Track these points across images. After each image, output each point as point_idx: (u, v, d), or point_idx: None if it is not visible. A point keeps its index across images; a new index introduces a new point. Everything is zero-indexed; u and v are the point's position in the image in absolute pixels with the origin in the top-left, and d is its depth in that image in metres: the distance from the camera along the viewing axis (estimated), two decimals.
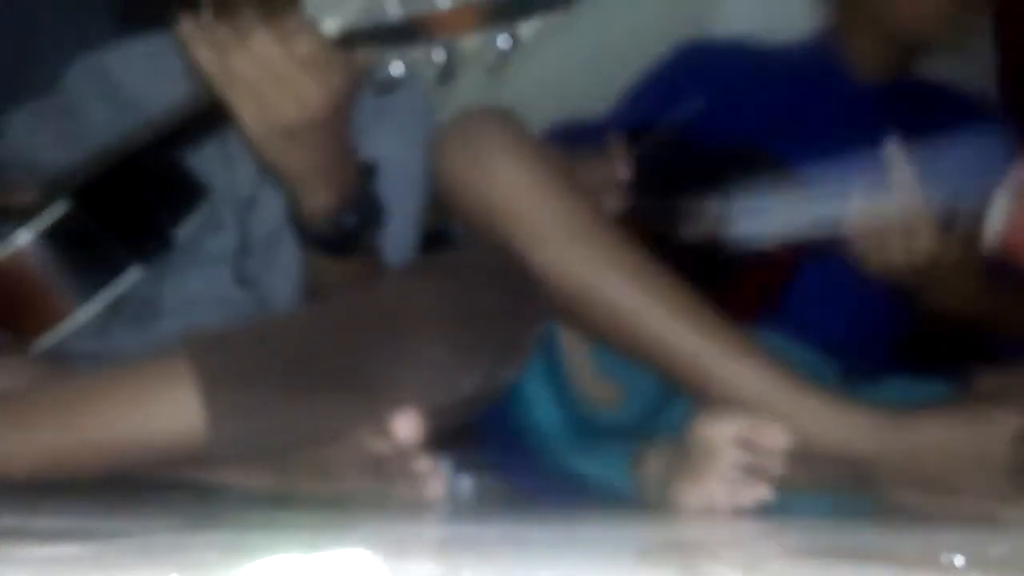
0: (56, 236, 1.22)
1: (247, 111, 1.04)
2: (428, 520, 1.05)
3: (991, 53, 2.18)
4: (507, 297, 1.11)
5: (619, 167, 1.35)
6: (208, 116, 1.17)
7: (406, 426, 1.03)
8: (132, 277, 1.25)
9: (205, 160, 1.29)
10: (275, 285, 1.35)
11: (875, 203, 1.23)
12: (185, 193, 1.29)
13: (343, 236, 1.13)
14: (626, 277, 1.17)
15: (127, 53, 1.45)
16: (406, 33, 1.01)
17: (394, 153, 1.30)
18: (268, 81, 1.02)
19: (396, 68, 1.03)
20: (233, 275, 1.35)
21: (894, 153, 1.22)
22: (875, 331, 1.46)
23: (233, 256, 1.36)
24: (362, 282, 1.16)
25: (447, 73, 1.02)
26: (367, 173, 1.16)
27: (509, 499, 1.30)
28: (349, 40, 1.03)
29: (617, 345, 1.20)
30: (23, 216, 1.22)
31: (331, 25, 1.03)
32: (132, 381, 1.05)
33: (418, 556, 0.76)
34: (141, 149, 1.23)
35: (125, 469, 1.05)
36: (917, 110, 1.48)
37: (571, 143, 1.45)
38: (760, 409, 1.11)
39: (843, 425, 1.12)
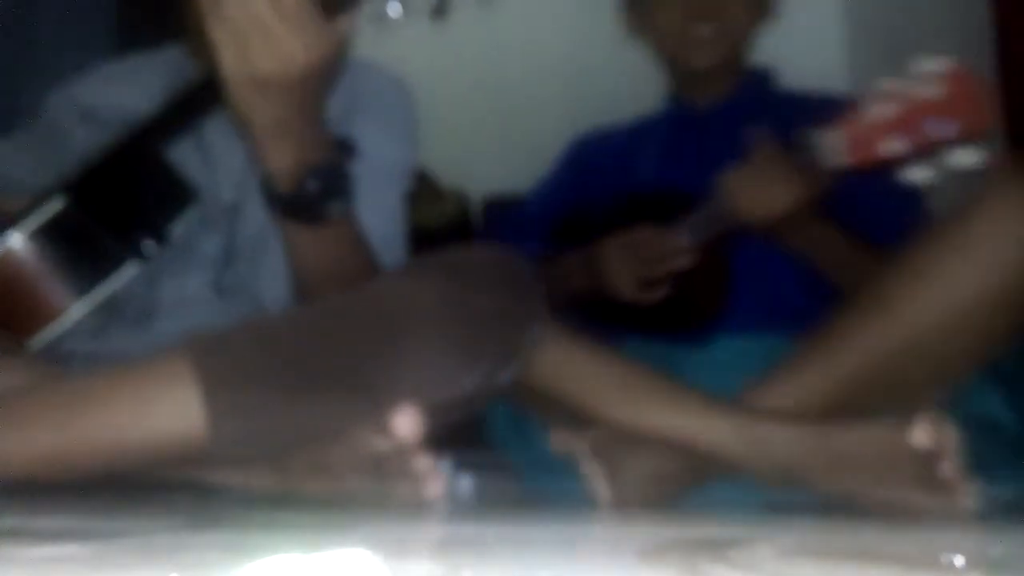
0: (49, 234, 1.22)
1: (228, 53, 1.08)
2: (428, 520, 1.05)
3: (991, 52, 2.18)
4: (506, 296, 1.11)
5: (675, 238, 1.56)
6: (193, 102, 1.20)
7: (405, 424, 1.03)
8: (127, 274, 1.25)
9: (189, 167, 1.30)
10: (264, 289, 1.35)
11: (739, 167, 1.45)
12: (175, 192, 1.29)
13: (305, 200, 1.14)
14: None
15: (101, 77, 1.46)
16: None
17: (380, 144, 1.32)
18: (253, 28, 1.06)
19: (393, 8, 1.05)
20: (213, 283, 1.35)
21: (756, 137, 1.44)
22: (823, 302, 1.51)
23: (215, 264, 1.36)
24: (346, 266, 1.17)
25: (441, 8, 1.03)
26: (341, 148, 1.18)
27: (509, 499, 1.30)
28: None
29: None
30: (16, 215, 1.22)
31: None
32: (132, 381, 1.05)
33: (418, 556, 0.76)
34: (131, 141, 1.23)
35: (125, 469, 1.05)
36: (753, 114, 1.62)
37: (509, 224, 1.78)
38: (680, 437, 1.18)
39: (764, 440, 1.16)
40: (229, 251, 1.36)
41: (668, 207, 1.57)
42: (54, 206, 1.22)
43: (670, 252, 1.55)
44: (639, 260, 1.56)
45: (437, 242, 1.45)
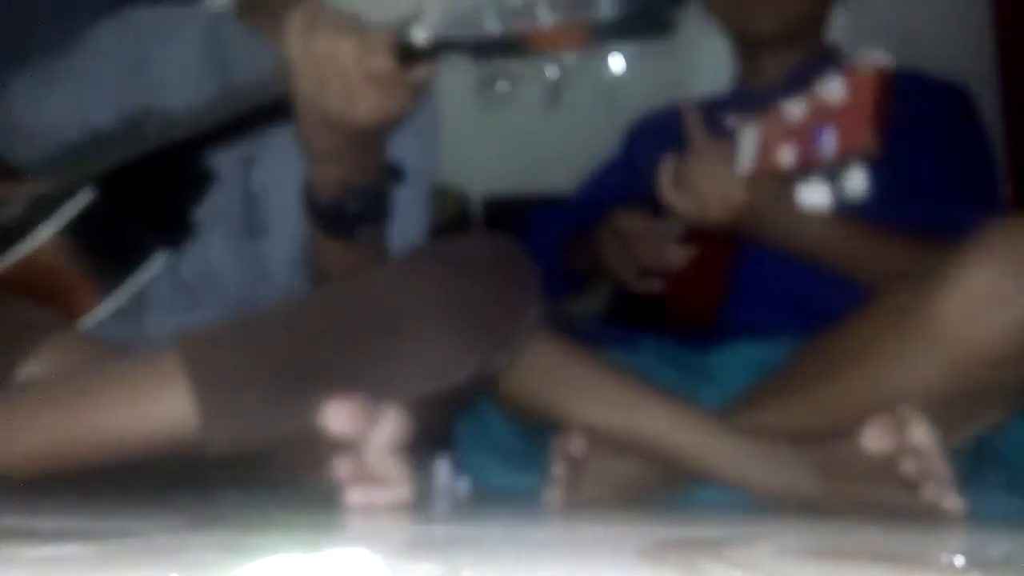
0: (81, 227, 1.23)
1: (305, 89, 1.08)
2: (428, 520, 1.05)
3: (991, 52, 2.18)
4: (501, 284, 1.12)
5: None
6: (236, 123, 1.20)
7: (340, 416, 0.99)
8: (157, 263, 1.27)
9: None
10: (270, 242, 1.37)
11: (680, 163, 1.29)
12: (198, 177, 1.30)
13: (342, 218, 1.15)
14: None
15: (136, 22, 1.46)
16: (504, 47, 1.01)
17: (406, 152, 1.32)
18: (335, 77, 1.06)
19: (502, 86, 1.03)
20: (244, 227, 1.36)
21: (689, 116, 1.30)
22: (831, 301, 1.47)
23: (232, 215, 1.37)
24: (365, 265, 1.18)
25: (556, 93, 1.02)
26: (389, 173, 1.19)
27: (511, 499, 1.30)
28: (441, 47, 1.04)
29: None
30: (47, 207, 1.23)
31: (419, 33, 1.04)
32: (124, 379, 1.05)
33: (418, 556, 0.76)
34: (168, 148, 1.24)
35: (117, 464, 1.05)
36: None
37: (551, 223, 1.66)
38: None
39: (759, 465, 1.16)
40: (247, 200, 1.37)
41: None
42: (84, 198, 1.23)
43: (658, 243, 1.46)
44: (633, 248, 1.49)
45: None
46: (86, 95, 1.40)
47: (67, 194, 1.24)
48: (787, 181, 1.19)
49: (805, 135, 1.16)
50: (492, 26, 1.00)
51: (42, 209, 1.24)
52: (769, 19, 1.55)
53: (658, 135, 1.66)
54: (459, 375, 1.08)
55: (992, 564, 0.77)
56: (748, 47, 1.62)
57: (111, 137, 1.29)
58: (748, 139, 1.23)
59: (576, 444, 1.17)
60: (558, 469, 1.18)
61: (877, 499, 1.11)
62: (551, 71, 1.01)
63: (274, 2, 1.37)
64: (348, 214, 1.15)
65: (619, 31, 0.99)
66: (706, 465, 1.17)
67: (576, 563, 0.75)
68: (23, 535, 0.81)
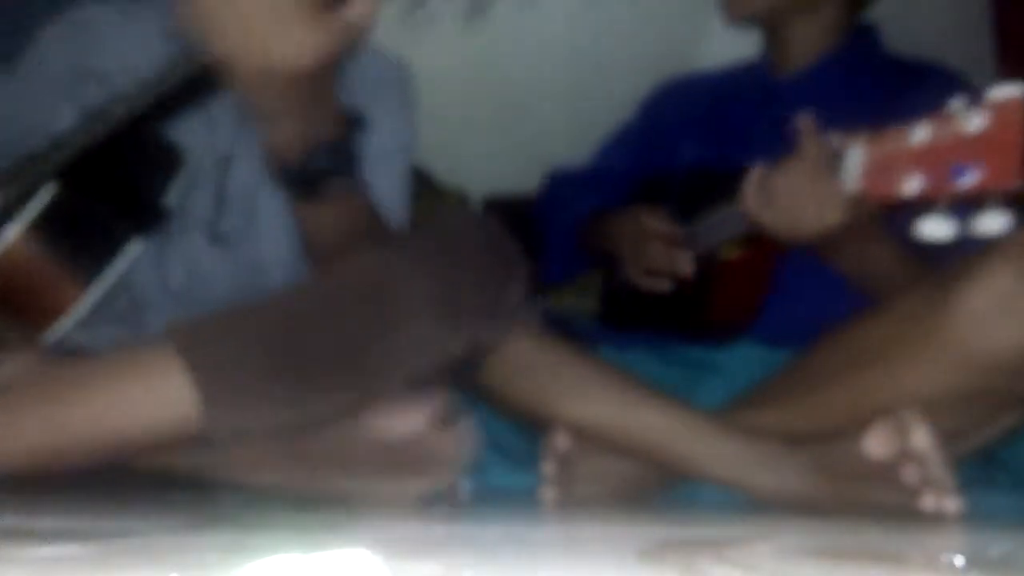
0: (49, 222, 1.20)
1: (234, 41, 1.05)
2: (428, 520, 1.05)
3: (991, 52, 2.18)
4: (491, 262, 1.12)
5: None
6: (188, 87, 1.15)
7: (418, 412, 1.07)
8: (134, 251, 1.23)
9: (180, 121, 1.28)
10: (260, 243, 1.35)
11: (776, 175, 1.21)
12: (166, 157, 1.27)
13: (310, 176, 1.13)
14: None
15: (92, 20, 1.43)
16: None
17: (382, 122, 1.32)
18: (263, 21, 1.03)
19: (428, 7, 1.01)
20: (207, 234, 1.34)
21: (805, 125, 1.21)
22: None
23: (207, 215, 1.35)
24: (356, 232, 1.17)
25: (477, 7, 1.00)
26: (351, 124, 1.16)
27: (510, 499, 1.30)
28: None
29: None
30: (11, 209, 1.21)
31: None
32: (122, 371, 1.05)
33: (418, 556, 0.76)
34: (121, 125, 1.20)
35: (117, 458, 1.05)
36: (841, 84, 1.49)
37: (568, 198, 1.62)
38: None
39: (769, 467, 1.15)
40: (220, 202, 1.35)
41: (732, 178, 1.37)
42: (48, 193, 1.20)
43: (672, 250, 1.45)
44: (647, 247, 1.47)
45: None
46: (44, 98, 1.37)
47: (30, 191, 1.20)
48: (899, 208, 1.12)
49: (938, 165, 1.07)
50: None
51: (6, 211, 1.21)
52: (750, 2, 1.49)
53: (677, 104, 1.65)
54: (450, 352, 1.09)
55: (992, 564, 0.77)
56: (762, 25, 1.53)
57: (70, 132, 1.26)
58: (855, 158, 1.15)
59: (562, 441, 1.18)
60: (547, 467, 1.18)
61: (875, 500, 1.11)
62: None
63: None
64: (315, 171, 1.13)
65: None
66: (698, 465, 1.17)
67: (576, 563, 0.75)
68: (23, 535, 0.81)
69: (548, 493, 1.18)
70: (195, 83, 1.14)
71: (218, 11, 1.04)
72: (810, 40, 1.51)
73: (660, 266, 1.47)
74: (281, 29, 1.03)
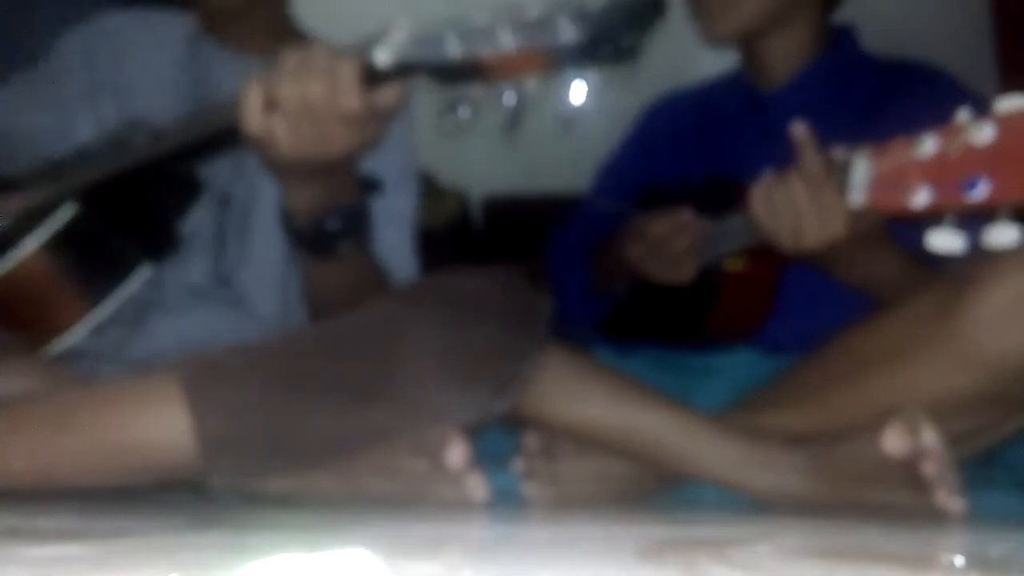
0: (65, 240, 1.22)
1: (274, 132, 1.05)
2: (428, 520, 1.05)
3: (991, 52, 2.18)
4: (506, 328, 1.10)
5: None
6: (220, 138, 1.16)
7: (455, 453, 1.08)
8: (143, 276, 1.25)
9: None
10: (251, 284, 1.35)
11: (780, 185, 1.20)
12: (184, 187, 1.28)
13: (322, 237, 1.13)
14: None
15: (112, 28, 1.44)
16: (465, 72, 0.98)
17: (386, 158, 1.30)
18: (304, 117, 1.03)
19: (463, 112, 1.00)
20: (213, 272, 1.35)
21: (799, 135, 1.19)
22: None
23: (212, 253, 1.36)
24: (358, 287, 1.17)
25: (515, 119, 1.00)
26: (366, 187, 1.17)
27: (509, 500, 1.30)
28: (402, 71, 1.01)
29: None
30: (31, 222, 1.22)
31: (383, 56, 1.01)
32: (121, 400, 1.04)
33: (418, 556, 0.76)
34: (149, 160, 1.21)
35: (111, 485, 1.05)
36: (827, 91, 1.48)
37: (574, 236, 1.62)
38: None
39: (765, 465, 1.15)
40: (219, 238, 1.35)
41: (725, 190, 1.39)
42: (67, 212, 1.21)
43: (683, 230, 1.41)
44: (662, 246, 1.43)
45: (437, 242, 1.46)
46: (61, 104, 1.38)
47: (51, 208, 1.22)
48: (906, 220, 1.11)
49: (947, 177, 1.06)
50: (453, 49, 0.97)
51: (26, 223, 1.22)
52: (724, 23, 1.46)
53: (667, 122, 1.64)
54: (457, 419, 1.08)
55: (992, 564, 0.77)
56: (739, 44, 1.54)
57: (96, 151, 1.27)
58: (861, 170, 1.14)
59: (532, 440, 1.17)
60: (517, 464, 1.18)
61: (877, 499, 1.11)
62: (508, 97, 0.99)
63: (236, 17, 1.36)
64: (328, 233, 1.13)
65: (581, 57, 0.95)
66: (698, 465, 1.16)
67: (576, 563, 0.75)
68: (23, 535, 0.81)
69: (528, 490, 1.17)
70: (229, 133, 1.14)
71: (288, 106, 1.03)
72: (789, 53, 1.51)
73: (678, 249, 1.43)
74: (341, 126, 1.03)
